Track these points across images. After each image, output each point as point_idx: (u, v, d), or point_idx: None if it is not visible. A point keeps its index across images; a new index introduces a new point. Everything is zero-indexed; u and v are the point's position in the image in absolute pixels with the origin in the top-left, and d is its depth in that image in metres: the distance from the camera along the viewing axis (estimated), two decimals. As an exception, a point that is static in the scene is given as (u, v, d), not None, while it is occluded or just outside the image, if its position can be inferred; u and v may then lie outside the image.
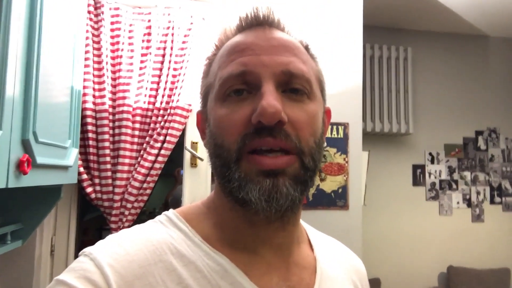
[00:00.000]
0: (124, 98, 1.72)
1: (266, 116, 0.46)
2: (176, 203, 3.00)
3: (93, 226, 3.08)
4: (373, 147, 3.18)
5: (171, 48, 1.80)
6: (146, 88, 1.77)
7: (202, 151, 1.85)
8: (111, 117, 1.73)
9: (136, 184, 1.70)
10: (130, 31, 1.79)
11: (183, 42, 1.81)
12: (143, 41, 1.81)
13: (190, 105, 1.79)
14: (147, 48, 1.80)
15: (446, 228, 3.44)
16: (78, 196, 1.81)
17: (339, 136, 2.11)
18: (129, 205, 1.71)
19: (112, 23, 1.77)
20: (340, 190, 2.08)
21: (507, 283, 3.26)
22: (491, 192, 3.58)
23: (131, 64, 1.77)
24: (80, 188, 1.73)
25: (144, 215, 2.52)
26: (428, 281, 3.32)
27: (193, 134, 1.88)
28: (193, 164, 1.87)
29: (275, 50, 0.51)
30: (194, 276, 0.48)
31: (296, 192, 0.48)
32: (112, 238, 0.51)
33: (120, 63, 1.75)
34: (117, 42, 1.76)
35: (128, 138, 1.71)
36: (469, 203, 3.52)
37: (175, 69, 1.79)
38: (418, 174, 3.46)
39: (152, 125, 1.76)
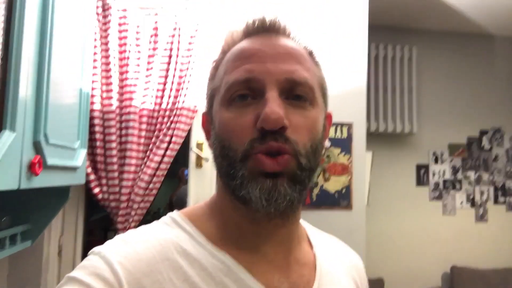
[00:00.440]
0: (131, 99, 1.74)
1: (269, 122, 0.48)
2: (180, 203, 3.02)
3: (98, 226, 3.10)
4: (377, 147, 3.19)
5: (178, 50, 1.81)
6: (153, 89, 1.79)
7: (208, 152, 1.86)
8: (118, 118, 1.75)
9: (143, 184, 1.72)
10: (137, 33, 1.81)
11: (189, 44, 1.82)
12: (150, 42, 1.82)
13: (195, 106, 1.81)
14: (154, 49, 1.82)
15: (450, 228, 3.43)
16: (85, 197, 1.83)
17: (342, 136, 2.12)
18: (135, 206, 1.72)
19: (119, 24, 1.79)
20: (343, 190, 2.09)
21: (511, 283, 3.26)
22: (495, 192, 3.57)
23: (138, 65, 1.78)
24: (87, 188, 1.75)
25: (149, 215, 2.54)
26: (432, 281, 3.32)
27: (198, 135, 1.89)
28: (199, 165, 1.89)
29: (280, 58, 0.53)
30: (199, 273, 0.51)
31: (294, 192, 0.50)
32: (120, 238, 0.53)
33: (127, 65, 1.77)
34: (125, 44, 1.78)
35: (135, 139, 1.73)
36: (472, 203, 3.52)
37: (181, 70, 1.80)
38: (421, 174, 3.46)
39: (158, 126, 1.78)
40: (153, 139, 1.77)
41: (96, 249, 0.51)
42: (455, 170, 3.51)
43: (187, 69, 1.80)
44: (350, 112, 2.12)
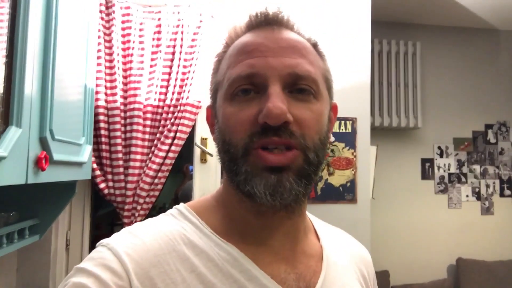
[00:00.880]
0: (135, 95, 1.76)
1: (271, 118, 0.48)
2: (185, 198, 3.04)
3: (105, 221, 3.13)
4: (381, 141, 3.18)
5: (181, 46, 1.82)
6: (157, 86, 1.80)
7: (212, 147, 1.88)
8: (122, 114, 1.76)
9: (148, 179, 1.74)
10: (140, 30, 1.82)
11: (193, 40, 1.83)
12: (153, 39, 1.84)
13: (199, 101, 1.82)
14: (157, 46, 1.83)
15: (455, 221, 3.43)
16: (91, 192, 1.86)
17: (347, 131, 2.12)
18: (141, 200, 1.74)
19: (123, 21, 1.80)
20: (348, 184, 2.10)
21: (517, 275, 3.25)
22: (501, 185, 3.56)
23: (142, 62, 1.80)
24: (93, 184, 1.77)
25: (154, 210, 2.56)
26: (438, 274, 3.32)
27: (203, 130, 1.91)
28: (203, 160, 1.90)
29: (283, 52, 0.53)
30: (206, 264, 0.51)
31: (300, 186, 0.50)
32: (127, 230, 0.54)
33: (131, 61, 1.78)
34: (128, 41, 1.79)
35: (140, 135, 1.75)
36: (478, 196, 3.51)
37: (184, 67, 1.81)
38: (426, 168, 3.45)
39: (162, 122, 1.79)
40: (158, 135, 1.78)
41: (104, 241, 0.51)
42: (460, 164, 3.50)
43: (191, 65, 1.81)
44: (354, 107, 2.13)
